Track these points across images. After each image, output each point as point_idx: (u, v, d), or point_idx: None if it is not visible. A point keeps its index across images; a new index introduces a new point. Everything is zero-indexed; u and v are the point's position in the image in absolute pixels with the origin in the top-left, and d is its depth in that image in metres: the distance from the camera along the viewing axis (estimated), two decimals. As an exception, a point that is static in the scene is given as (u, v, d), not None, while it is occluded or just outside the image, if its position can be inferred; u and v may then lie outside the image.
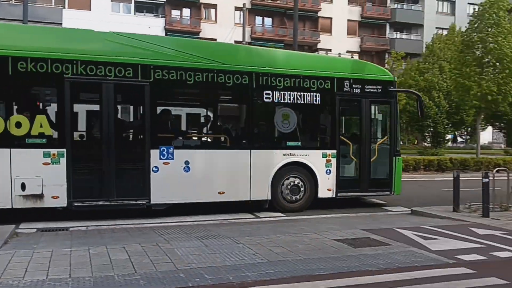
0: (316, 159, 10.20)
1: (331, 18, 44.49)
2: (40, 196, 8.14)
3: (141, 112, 9.20)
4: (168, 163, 8.91)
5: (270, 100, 9.79)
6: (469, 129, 42.31)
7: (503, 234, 7.65)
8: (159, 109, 9.20)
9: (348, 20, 45.12)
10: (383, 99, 10.96)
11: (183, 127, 10.47)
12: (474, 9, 32.34)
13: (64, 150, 8.22)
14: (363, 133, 10.71)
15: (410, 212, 10.22)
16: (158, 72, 8.85)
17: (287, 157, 9.93)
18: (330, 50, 40.62)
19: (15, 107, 8.23)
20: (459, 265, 5.80)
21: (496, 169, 10.52)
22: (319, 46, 41.65)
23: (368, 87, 10.64)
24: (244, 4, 26.94)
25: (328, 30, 44.45)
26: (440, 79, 34.55)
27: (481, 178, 9.57)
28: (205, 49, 9.83)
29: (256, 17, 42.84)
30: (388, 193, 10.92)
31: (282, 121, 9.94)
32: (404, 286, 4.92)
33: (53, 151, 8.17)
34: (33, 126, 8.11)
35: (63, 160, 8.20)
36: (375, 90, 10.75)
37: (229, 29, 37.72)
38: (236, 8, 39.48)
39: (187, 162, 9.07)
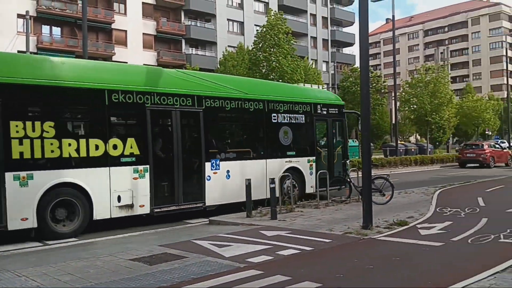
0: (304, 164, 13.34)
1: (125, 31, 43.53)
2: (131, 206, 9.71)
3: (197, 133, 11.21)
4: (216, 172, 11.22)
5: (276, 120, 12.71)
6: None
7: (287, 234, 8.45)
8: (209, 129, 11.33)
9: (144, 33, 44.81)
10: (338, 118, 14.52)
11: (224, 143, 12.13)
12: (257, 30, 35.52)
13: (148, 166, 9.96)
14: (328, 143, 14.25)
15: (208, 222, 10.57)
16: (208, 101, 11.18)
17: (288, 163, 12.88)
18: (126, 62, 39.75)
19: (111, 132, 9.68)
20: (249, 267, 6.16)
21: (280, 174, 11.65)
22: (114, 58, 40.29)
23: (330, 109, 14.19)
24: (27, 12, 24.41)
25: (123, 43, 43.41)
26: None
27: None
28: (234, 82, 12.87)
29: (43, 26, 39.30)
30: (344, 187, 13.60)
31: (284, 136, 12.89)
32: (198, 297, 4.99)
33: (140, 167, 9.86)
34: (125, 148, 9.65)
35: (147, 175, 9.93)
36: (334, 112, 14.32)
37: (11, 38, 33.76)
38: (19, 16, 35.52)
39: (228, 171, 11.44)
